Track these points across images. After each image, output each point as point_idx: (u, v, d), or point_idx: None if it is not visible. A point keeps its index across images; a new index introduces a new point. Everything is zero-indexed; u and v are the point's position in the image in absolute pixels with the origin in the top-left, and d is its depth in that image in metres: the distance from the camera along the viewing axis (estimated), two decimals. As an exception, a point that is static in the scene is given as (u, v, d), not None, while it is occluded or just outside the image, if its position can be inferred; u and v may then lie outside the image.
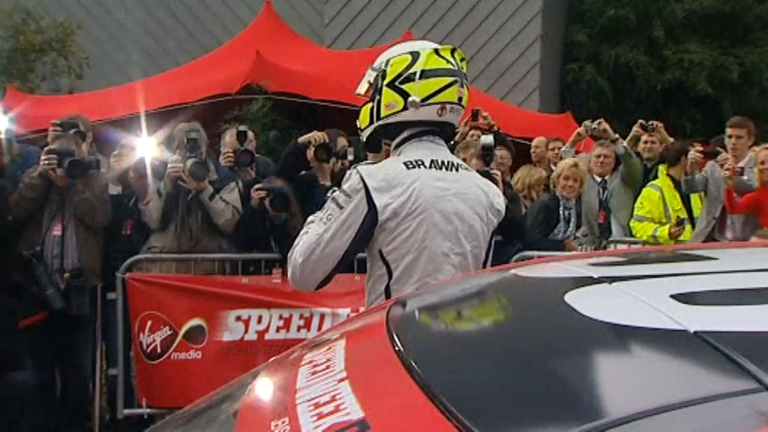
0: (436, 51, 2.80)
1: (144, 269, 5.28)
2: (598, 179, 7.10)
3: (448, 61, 2.79)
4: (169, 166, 5.18)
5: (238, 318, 5.10)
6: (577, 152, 7.78)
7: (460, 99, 2.80)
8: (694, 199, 6.80)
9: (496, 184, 5.56)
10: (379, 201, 2.63)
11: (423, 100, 2.75)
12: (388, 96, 2.79)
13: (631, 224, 6.75)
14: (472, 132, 7.12)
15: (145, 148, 5.69)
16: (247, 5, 17.84)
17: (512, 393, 1.07)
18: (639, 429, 0.91)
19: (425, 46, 2.83)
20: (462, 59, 2.85)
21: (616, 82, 18.55)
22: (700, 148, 6.51)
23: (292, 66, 9.99)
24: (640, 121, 7.77)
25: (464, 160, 6.46)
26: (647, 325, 1.13)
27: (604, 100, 17.68)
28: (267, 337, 5.08)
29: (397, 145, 2.84)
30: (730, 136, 6.32)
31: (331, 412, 1.08)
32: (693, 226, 6.65)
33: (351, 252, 2.71)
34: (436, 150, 2.82)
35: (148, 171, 5.39)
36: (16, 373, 4.76)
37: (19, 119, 6.84)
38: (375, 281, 2.78)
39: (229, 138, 5.79)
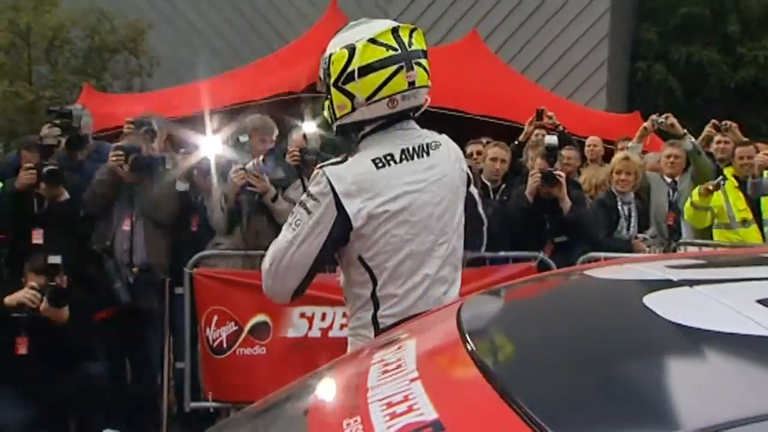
0: (372, 40, 2.57)
1: (211, 265, 5.34)
2: (668, 180, 6.93)
3: (389, 47, 2.56)
4: (231, 174, 5.22)
5: (303, 315, 5.12)
6: (644, 152, 7.61)
7: (411, 83, 2.57)
8: (764, 201, 6.58)
9: (560, 185, 5.55)
10: (350, 207, 2.52)
11: (368, 99, 2.57)
12: (337, 97, 2.64)
13: (686, 208, 6.45)
14: (536, 131, 7.02)
15: (211, 146, 5.74)
16: (312, 3, 17.96)
17: (591, 398, 1.04)
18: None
19: (360, 36, 2.59)
20: (412, 32, 2.64)
21: (687, 80, 18.11)
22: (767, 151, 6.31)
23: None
24: (713, 121, 7.56)
25: (531, 158, 6.43)
26: (735, 331, 1.08)
27: (673, 100, 17.28)
28: (330, 334, 5.08)
29: (362, 138, 2.69)
30: None
31: (404, 412, 1.06)
32: (761, 228, 6.46)
33: (323, 258, 2.59)
34: (404, 136, 2.66)
35: (212, 170, 5.45)
36: (90, 365, 4.86)
37: (94, 117, 7.00)
38: (358, 287, 2.66)
39: (295, 136, 5.83)
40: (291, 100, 9.41)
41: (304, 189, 5.34)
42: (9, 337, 4.67)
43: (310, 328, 5.10)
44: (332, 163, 2.62)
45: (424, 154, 2.65)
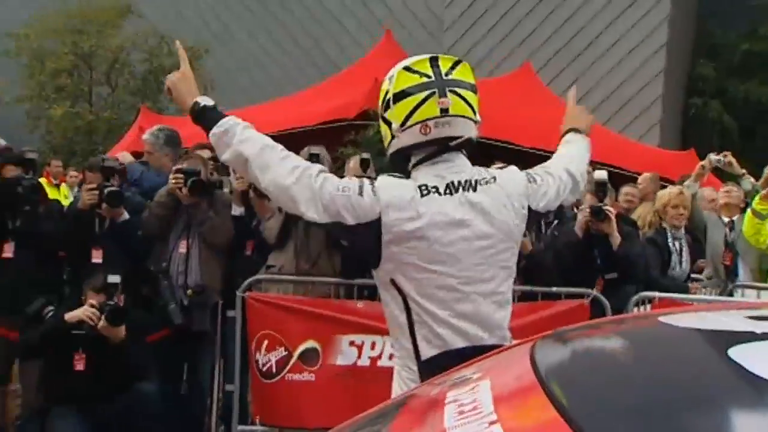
0: (407, 68, 2.65)
1: (263, 289, 5.39)
2: (726, 219, 6.82)
3: (423, 74, 2.61)
4: None
5: (352, 343, 5.12)
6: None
7: (444, 110, 2.58)
8: None
9: (609, 220, 5.49)
10: (385, 217, 2.54)
11: (402, 125, 2.62)
12: (382, 127, 2.72)
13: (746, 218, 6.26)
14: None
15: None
16: (366, 31, 18.19)
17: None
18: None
19: (400, 65, 2.68)
20: (456, 64, 2.66)
21: (744, 119, 17.83)
22: None
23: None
24: None
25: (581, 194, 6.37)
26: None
27: (729, 138, 17.01)
28: (380, 363, 5.07)
29: (412, 169, 2.69)
30: None
31: (487, 457, 1.06)
32: None
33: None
34: (450, 169, 2.65)
35: None
36: (142, 385, 4.92)
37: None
38: (395, 310, 2.67)
39: (353, 164, 5.87)
40: (342, 127, 9.50)
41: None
42: (67, 353, 4.77)
43: (359, 356, 5.11)
44: (389, 175, 2.68)
45: (471, 189, 2.63)
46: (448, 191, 2.61)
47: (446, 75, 2.61)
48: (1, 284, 5.15)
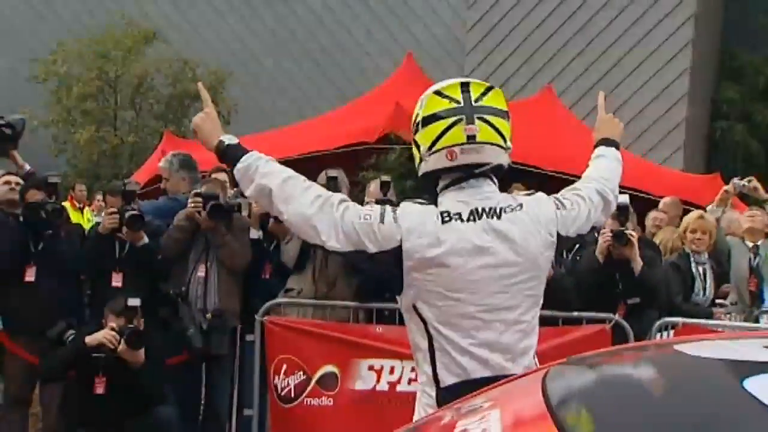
0: (438, 92, 2.64)
1: (282, 313, 5.38)
2: (750, 244, 6.74)
3: (452, 100, 2.59)
4: None
5: (371, 367, 5.09)
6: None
7: (471, 137, 2.55)
8: None
9: (632, 245, 5.44)
10: (406, 243, 2.53)
11: (429, 149, 2.61)
12: (414, 149, 2.72)
13: None
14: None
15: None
16: (388, 54, 18.26)
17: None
18: None
19: (432, 89, 2.68)
20: (488, 90, 2.64)
21: (770, 143, 17.69)
22: None
23: (431, 118, 10.08)
24: None
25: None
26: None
27: (754, 163, 16.87)
28: (399, 388, 5.03)
29: (440, 193, 2.68)
30: None
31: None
32: None
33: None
34: (476, 195, 2.62)
35: None
36: (161, 409, 4.92)
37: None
38: (417, 337, 2.66)
39: (373, 188, 5.88)
40: (363, 151, 9.51)
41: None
42: (88, 376, 4.79)
43: (378, 381, 5.08)
44: (413, 201, 2.67)
45: (495, 217, 2.60)
46: (471, 218, 2.58)
47: (476, 101, 2.60)
48: (23, 308, 5.18)
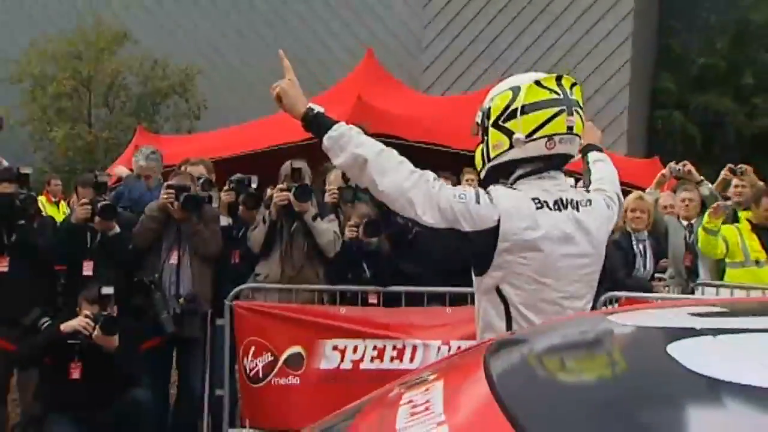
0: (537, 82, 2.57)
1: (250, 297, 5.34)
2: (684, 223, 6.85)
3: (552, 91, 2.55)
4: (275, 195, 5.26)
5: (335, 347, 5.06)
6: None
7: (570, 128, 2.54)
8: None
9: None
10: (503, 225, 2.45)
11: (528, 136, 2.53)
12: (495, 136, 2.60)
13: (699, 234, 6.32)
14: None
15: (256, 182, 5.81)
16: (349, 51, 18.22)
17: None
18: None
19: (526, 79, 2.60)
20: (573, 85, 2.62)
21: (705, 128, 18.01)
22: None
23: (390, 109, 10.03)
24: (729, 165, 7.44)
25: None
26: (757, 384, 1.03)
27: (692, 146, 17.17)
28: (362, 366, 5.02)
29: (515, 181, 2.61)
30: None
31: (432, 457, 1.03)
32: None
33: (445, 239, 2.48)
34: (556, 186, 2.59)
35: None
36: (136, 391, 4.86)
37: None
38: (494, 319, 2.56)
39: (334, 176, 5.84)
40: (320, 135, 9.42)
41: (339, 222, 5.39)
42: (63, 362, 4.71)
43: (342, 360, 5.05)
44: (504, 185, 2.59)
45: (575, 208, 2.57)
46: (557, 207, 2.53)
47: (570, 95, 2.58)
48: (-3, 297, 5.10)
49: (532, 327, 1.96)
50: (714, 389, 1.05)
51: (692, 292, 6.25)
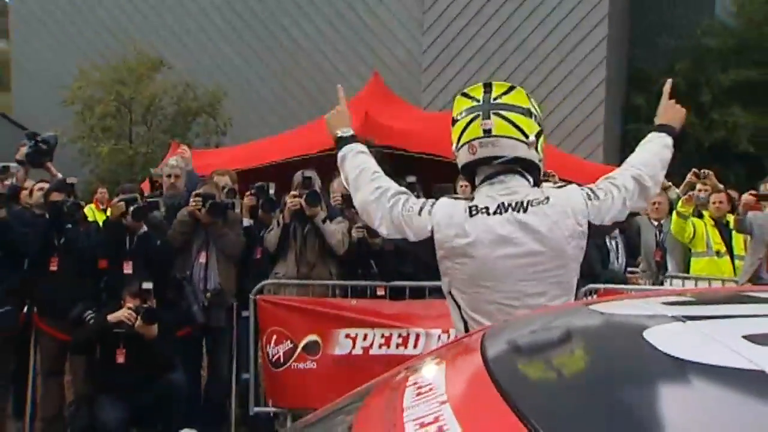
0: (464, 93, 2.45)
1: (271, 292, 5.33)
2: (654, 223, 6.86)
3: (473, 99, 2.40)
4: (288, 201, 5.26)
5: (347, 335, 5.05)
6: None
7: (486, 131, 2.34)
8: (736, 238, 6.48)
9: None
10: (437, 234, 2.38)
11: (457, 145, 2.44)
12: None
13: (672, 220, 6.35)
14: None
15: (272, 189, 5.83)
16: (358, 75, 18.22)
17: (597, 421, 0.99)
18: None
19: (461, 92, 2.47)
20: (511, 90, 2.41)
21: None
22: (755, 192, 6.18)
23: (395, 124, 10.02)
24: (694, 169, 7.43)
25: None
26: (724, 364, 1.02)
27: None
28: (371, 352, 5.01)
29: (477, 188, 2.49)
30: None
31: (435, 432, 1.01)
32: (732, 261, 6.43)
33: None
34: (504, 191, 2.39)
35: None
36: (172, 375, 4.86)
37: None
38: (455, 320, 2.50)
39: (337, 185, 5.85)
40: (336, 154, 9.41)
41: (346, 225, 5.38)
42: (109, 348, 4.74)
43: (353, 346, 5.04)
44: (449, 196, 2.53)
45: (521, 210, 2.35)
46: (498, 211, 2.36)
47: (494, 99, 2.38)
48: (50, 294, 5.11)
49: (524, 315, 1.94)
50: (685, 369, 1.04)
51: (662, 284, 6.25)
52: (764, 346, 1.08)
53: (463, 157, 2.45)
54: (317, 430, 1.47)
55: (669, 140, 2.74)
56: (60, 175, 5.88)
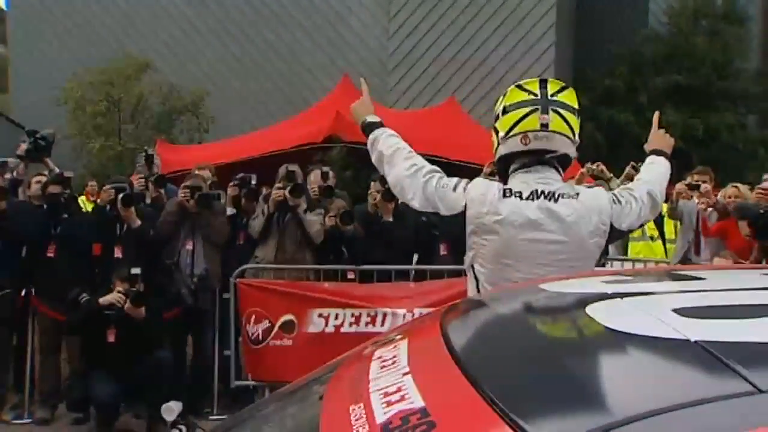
0: (519, 86, 2.36)
1: (252, 275, 5.29)
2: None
3: (531, 92, 2.32)
4: (273, 192, 5.22)
5: (320, 315, 5.02)
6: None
7: (544, 125, 2.27)
8: (667, 223, 6.59)
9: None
10: (469, 210, 2.33)
11: (506, 133, 2.33)
12: (492, 136, 2.45)
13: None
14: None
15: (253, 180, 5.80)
16: (329, 76, 18.11)
17: (543, 386, 1.00)
18: (647, 427, 0.82)
19: (515, 84, 2.40)
20: (563, 89, 2.35)
21: (611, 137, 18.38)
22: (688, 181, 6.28)
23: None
24: (632, 163, 7.53)
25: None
26: (656, 335, 1.03)
27: (601, 151, 17.49)
28: (342, 330, 4.99)
29: (510, 174, 2.41)
30: (696, 181, 6.12)
31: (398, 401, 1.01)
32: (663, 243, 6.50)
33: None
34: (539, 180, 2.32)
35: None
36: (159, 352, 4.80)
37: (165, 163, 7.09)
38: (470, 291, 2.43)
39: (314, 177, 5.81)
40: (312, 149, 9.36)
41: (323, 215, 5.35)
42: (101, 329, 4.66)
43: (326, 325, 5.02)
44: (484, 177, 2.49)
45: (552, 200, 2.29)
46: (530, 197, 2.29)
47: (552, 96, 2.31)
48: (47, 277, 5.03)
49: (480, 294, 1.95)
50: (622, 340, 1.06)
51: (603, 266, 6.33)
52: (691, 318, 1.10)
53: (512, 146, 2.35)
54: (293, 399, 1.47)
55: (668, 164, 2.77)
56: (57, 170, 5.78)
